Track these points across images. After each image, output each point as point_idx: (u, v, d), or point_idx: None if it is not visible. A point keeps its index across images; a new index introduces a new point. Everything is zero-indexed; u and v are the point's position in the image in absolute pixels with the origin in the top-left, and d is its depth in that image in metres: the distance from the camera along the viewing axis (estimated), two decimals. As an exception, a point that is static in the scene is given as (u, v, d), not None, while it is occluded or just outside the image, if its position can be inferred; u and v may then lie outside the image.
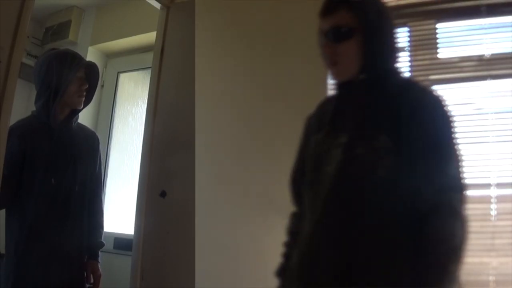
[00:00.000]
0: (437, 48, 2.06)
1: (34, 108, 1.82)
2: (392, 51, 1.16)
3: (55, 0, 3.10)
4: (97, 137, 2.00)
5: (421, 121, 1.04)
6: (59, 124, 1.78)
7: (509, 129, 1.86)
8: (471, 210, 1.83)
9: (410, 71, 2.08)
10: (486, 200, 1.85)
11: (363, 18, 1.12)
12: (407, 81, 1.19)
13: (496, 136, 1.88)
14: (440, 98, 1.11)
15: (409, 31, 2.12)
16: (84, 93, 1.83)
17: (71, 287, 1.77)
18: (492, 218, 1.81)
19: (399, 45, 1.20)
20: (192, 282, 2.05)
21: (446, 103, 1.09)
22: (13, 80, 1.57)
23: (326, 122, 1.18)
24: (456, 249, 0.98)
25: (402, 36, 2.14)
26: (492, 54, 1.94)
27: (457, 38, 2.03)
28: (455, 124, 1.09)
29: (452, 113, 1.09)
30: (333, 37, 1.13)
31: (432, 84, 2.04)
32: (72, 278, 1.77)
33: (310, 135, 1.22)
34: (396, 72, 1.16)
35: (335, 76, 1.18)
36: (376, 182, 1.04)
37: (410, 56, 2.10)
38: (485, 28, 1.96)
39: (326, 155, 1.12)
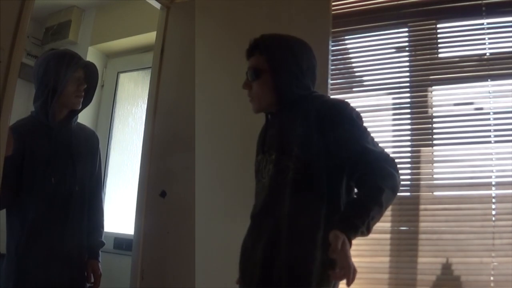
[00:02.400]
0: (437, 48, 2.06)
1: (33, 108, 1.82)
2: (297, 82, 1.36)
3: (55, 0, 3.10)
4: (96, 136, 2.00)
5: (333, 123, 1.26)
6: (58, 124, 1.78)
7: (509, 129, 1.86)
8: (471, 210, 1.85)
9: (410, 71, 2.08)
10: (486, 200, 1.84)
11: (270, 61, 1.36)
12: (314, 99, 1.36)
13: (496, 136, 1.88)
14: (343, 101, 1.36)
15: (409, 31, 2.12)
16: (83, 94, 1.83)
17: (71, 286, 1.76)
18: (493, 218, 1.81)
19: (309, 73, 1.39)
20: (192, 282, 2.05)
21: (346, 102, 1.35)
22: (13, 80, 1.57)
23: (261, 144, 1.44)
24: (393, 187, 1.17)
25: (402, 36, 2.14)
26: (492, 54, 1.94)
27: (457, 38, 2.03)
28: (360, 116, 1.31)
29: (354, 109, 1.32)
30: (249, 77, 1.40)
31: (432, 84, 2.04)
32: (72, 278, 1.77)
33: (256, 156, 1.47)
34: (306, 96, 1.36)
35: (252, 109, 1.42)
36: (294, 182, 1.27)
37: (410, 56, 2.10)
38: (485, 28, 1.96)
39: (263, 171, 1.38)
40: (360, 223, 1.11)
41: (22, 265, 1.64)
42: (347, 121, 1.28)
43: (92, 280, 1.84)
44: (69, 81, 1.75)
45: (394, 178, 1.19)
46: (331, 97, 1.42)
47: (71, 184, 1.78)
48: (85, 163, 1.87)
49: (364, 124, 1.32)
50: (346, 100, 1.40)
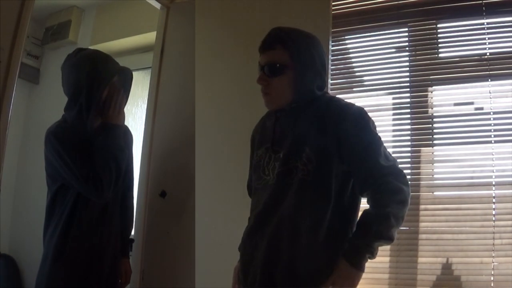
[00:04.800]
0: (437, 48, 2.06)
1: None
2: (319, 81, 1.33)
3: (55, 0, 3.10)
4: (130, 133, 1.93)
5: (349, 131, 1.24)
6: (95, 132, 1.69)
7: (509, 129, 1.86)
8: (471, 210, 1.85)
9: (410, 71, 2.08)
10: (486, 200, 1.85)
11: (295, 57, 1.29)
12: (329, 101, 1.34)
13: (496, 136, 1.88)
14: (357, 107, 1.30)
15: (409, 31, 2.12)
16: (123, 107, 1.75)
17: (107, 283, 1.74)
18: (493, 218, 1.81)
19: (326, 69, 1.37)
20: (192, 282, 2.05)
21: (363, 110, 1.30)
22: (13, 80, 1.57)
23: (266, 139, 1.38)
24: (402, 201, 1.21)
25: (402, 36, 2.14)
26: (492, 54, 1.94)
27: (457, 38, 2.03)
28: (375, 125, 1.31)
29: (370, 118, 1.30)
30: (268, 72, 1.31)
31: (432, 84, 2.04)
32: (108, 275, 1.75)
33: (255, 150, 1.43)
34: (321, 96, 1.34)
35: (266, 104, 1.36)
36: (302, 182, 1.25)
37: (410, 56, 2.10)
38: (486, 28, 1.96)
39: (266, 167, 1.34)
40: (371, 252, 1.18)
41: (58, 262, 1.62)
42: (365, 131, 1.27)
43: (124, 278, 1.86)
44: (105, 88, 1.66)
45: (403, 192, 1.22)
46: (347, 101, 1.37)
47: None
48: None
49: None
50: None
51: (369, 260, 1.20)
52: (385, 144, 1.30)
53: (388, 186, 1.21)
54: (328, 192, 1.24)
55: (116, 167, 1.65)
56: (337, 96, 2.12)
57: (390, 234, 1.19)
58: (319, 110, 1.30)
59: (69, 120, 1.68)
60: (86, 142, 1.65)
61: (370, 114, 1.32)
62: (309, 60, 1.31)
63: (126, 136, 1.85)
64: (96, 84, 1.64)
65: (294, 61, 1.29)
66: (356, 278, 1.18)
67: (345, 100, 1.38)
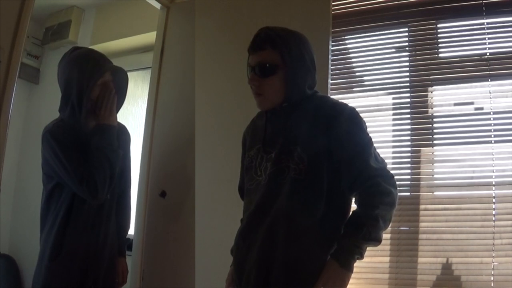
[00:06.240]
0: (437, 48, 2.06)
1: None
2: (310, 79, 1.34)
3: (55, 0, 3.11)
4: (128, 133, 1.93)
5: (341, 131, 1.25)
6: (90, 131, 1.70)
7: (509, 129, 1.86)
8: (471, 210, 1.85)
9: (410, 71, 2.08)
10: (486, 200, 1.85)
11: (286, 57, 1.29)
12: (320, 100, 1.35)
13: (496, 136, 1.88)
14: (349, 108, 1.31)
15: (409, 31, 2.12)
16: (114, 108, 1.74)
17: (103, 283, 1.75)
18: (493, 218, 1.81)
19: (316, 70, 1.36)
20: (192, 282, 2.06)
21: (355, 110, 1.30)
22: (13, 80, 1.57)
23: (257, 140, 1.39)
24: (390, 203, 1.23)
25: (402, 36, 2.14)
26: (492, 54, 1.94)
27: (457, 38, 2.03)
28: (366, 125, 1.31)
29: (362, 118, 1.31)
30: (259, 72, 1.30)
31: (432, 84, 2.04)
32: (105, 275, 1.75)
33: (247, 151, 1.44)
34: (312, 95, 1.35)
35: (258, 105, 1.36)
36: (294, 182, 1.25)
37: (410, 56, 2.10)
38: (486, 28, 1.96)
39: (258, 168, 1.34)
40: (359, 253, 1.20)
41: (55, 262, 1.62)
42: (356, 132, 1.28)
43: (121, 278, 1.86)
44: (95, 87, 1.66)
45: (392, 195, 1.23)
46: (339, 100, 1.38)
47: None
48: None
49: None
50: (348, 102, 1.38)
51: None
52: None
53: (378, 187, 1.22)
54: (320, 191, 1.25)
55: (109, 167, 1.66)
56: (337, 96, 2.14)
57: (378, 236, 1.21)
58: (311, 110, 1.30)
59: (66, 119, 1.69)
60: (82, 142, 1.66)
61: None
62: (300, 59, 1.30)
63: (122, 135, 1.86)
64: (85, 82, 1.64)
65: (284, 61, 1.29)
66: (346, 279, 1.19)
67: (343, 100, 1.39)
